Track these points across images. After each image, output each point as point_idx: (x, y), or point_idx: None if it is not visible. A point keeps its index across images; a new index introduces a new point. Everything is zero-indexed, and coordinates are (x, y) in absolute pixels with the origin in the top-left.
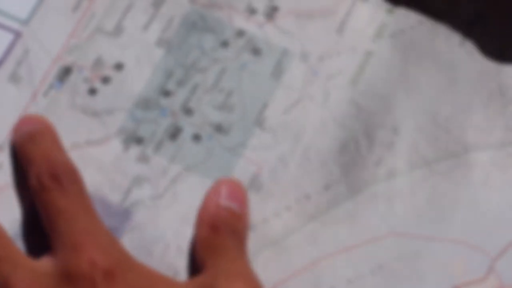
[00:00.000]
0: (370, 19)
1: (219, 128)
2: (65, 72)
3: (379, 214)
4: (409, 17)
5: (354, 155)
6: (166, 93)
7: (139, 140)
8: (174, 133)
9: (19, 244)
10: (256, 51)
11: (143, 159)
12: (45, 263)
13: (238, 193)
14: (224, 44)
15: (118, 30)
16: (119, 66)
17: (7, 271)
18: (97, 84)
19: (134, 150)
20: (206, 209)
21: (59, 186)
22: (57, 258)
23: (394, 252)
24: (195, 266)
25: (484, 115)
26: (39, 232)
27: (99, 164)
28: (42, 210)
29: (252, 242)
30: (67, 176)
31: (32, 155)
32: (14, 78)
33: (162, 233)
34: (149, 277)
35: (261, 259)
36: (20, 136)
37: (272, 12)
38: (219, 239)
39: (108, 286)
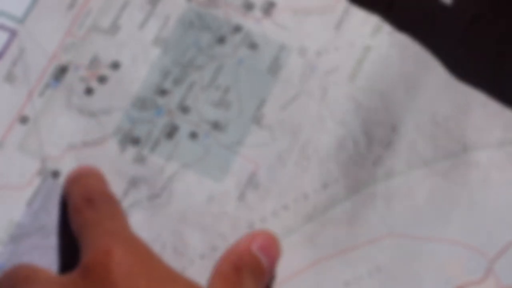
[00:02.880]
0: (368, 16)
1: (216, 126)
2: (61, 71)
3: (378, 214)
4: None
5: (352, 153)
6: (163, 92)
7: (135, 140)
8: (171, 132)
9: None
10: (253, 46)
11: (139, 160)
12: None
13: (272, 249)
14: (221, 40)
15: (114, 28)
16: (115, 65)
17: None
18: (94, 84)
19: (131, 151)
20: (234, 249)
21: (92, 206)
22: (80, 263)
23: (392, 253)
24: None
25: (483, 114)
26: None
27: (96, 165)
28: (75, 230)
29: None
30: (99, 198)
31: (73, 190)
32: (10, 77)
33: (158, 233)
34: (167, 275)
35: None
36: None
37: (269, 7)
38: (239, 277)
39: (123, 276)
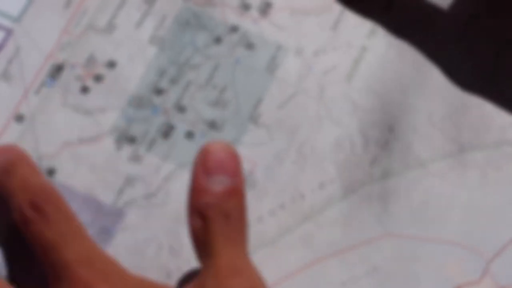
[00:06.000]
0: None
1: (212, 125)
2: (57, 69)
3: (374, 214)
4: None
5: (349, 153)
6: (159, 91)
7: (131, 139)
8: (167, 131)
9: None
10: (250, 46)
11: (135, 158)
12: None
13: (229, 160)
14: (217, 40)
15: (110, 27)
16: (111, 64)
17: None
18: (90, 82)
19: (127, 150)
20: (193, 190)
21: (43, 216)
22: None
23: (389, 254)
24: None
25: (480, 115)
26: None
27: (92, 163)
28: (31, 244)
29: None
30: (49, 204)
31: (9, 187)
32: (6, 75)
33: (154, 233)
34: None
35: (256, 259)
36: None
37: (266, 8)
38: (208, 229)
39: None
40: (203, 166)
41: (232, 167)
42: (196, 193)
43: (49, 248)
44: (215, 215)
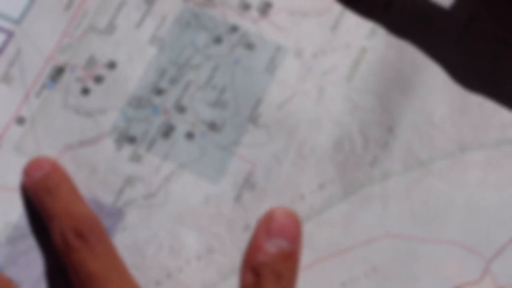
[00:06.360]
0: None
1: (212, 126)
2: (58, 71)
3: (374, 215)
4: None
5: (349, 154)
6: (159, 92)
7: (131, 140)
8: (167, 131)
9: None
10: (249, 46)
11: (135, 158)
12: None
13: (291, 226)
14: (217, 40)
15: (110, 28)
16: (111, 65)
17: None
18: (90, 84)
19: (127, 150)
20: (251, 247)
21: (87, 245)
22: None
23: (389, 254)
24: None
25: (480, 114)
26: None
27: (92, 164)
28: (71, 270)
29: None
30: (93, 233)
31: (52, 210)
32: (6, 78)
33: (155, 233)
34: None
35: None
36: (35, 184)
37: (265, 8)
38: (260, 285)
39: None
40: (266, 228)
41: (293, 233)
42: (253, 251)
43: (91, 279)
44: (269, 273)
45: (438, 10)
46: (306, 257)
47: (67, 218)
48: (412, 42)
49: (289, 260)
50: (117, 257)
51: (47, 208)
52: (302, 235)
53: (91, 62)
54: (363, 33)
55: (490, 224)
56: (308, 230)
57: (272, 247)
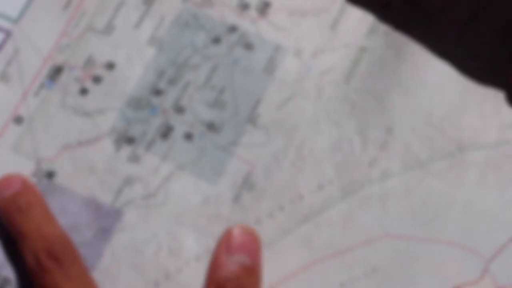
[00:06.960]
0: (363, 16)
1: (211, 126)
2: (56, 71)
3: (373, 215)
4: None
5: (347, 154)
6: (158, 92)
7: (130, 140)
8: (166, 132)
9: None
10: (248, 46)
11: (134, 158)
12: None
13: (250, 242)
14: (216, 40)
15: (109, 28)
16: (110, 65)
17: None
18: (88, 84)
19: (126, 150)
20: (214, 265)
21: (60, 267)
22: None
23: (388, 254)
24: None
25: (479, 115)
26: None
27: (91, 165)
28: None
29: None
30: (66, 255)
31: (24, 229)
32: (5, 77)
33: (154, 234)
34: None
35: None
36: (5, 202)
37: (264, 8)
38: None
39: None
40: (226, 245)
41: (253, 249)
42: (216, 267)
43: None
44: (233, 286)
45: (439, 7)
46: (305, 257)
47: (40, 238)
48: (412, 38)
49: (251, 275)
50: (90, 280)
51: (18, 227)
52: (261, 251)
53: (89, 62)
54: (362, 32)
55: (490, 224)
56: (307, 231)
57: (234, 263)
